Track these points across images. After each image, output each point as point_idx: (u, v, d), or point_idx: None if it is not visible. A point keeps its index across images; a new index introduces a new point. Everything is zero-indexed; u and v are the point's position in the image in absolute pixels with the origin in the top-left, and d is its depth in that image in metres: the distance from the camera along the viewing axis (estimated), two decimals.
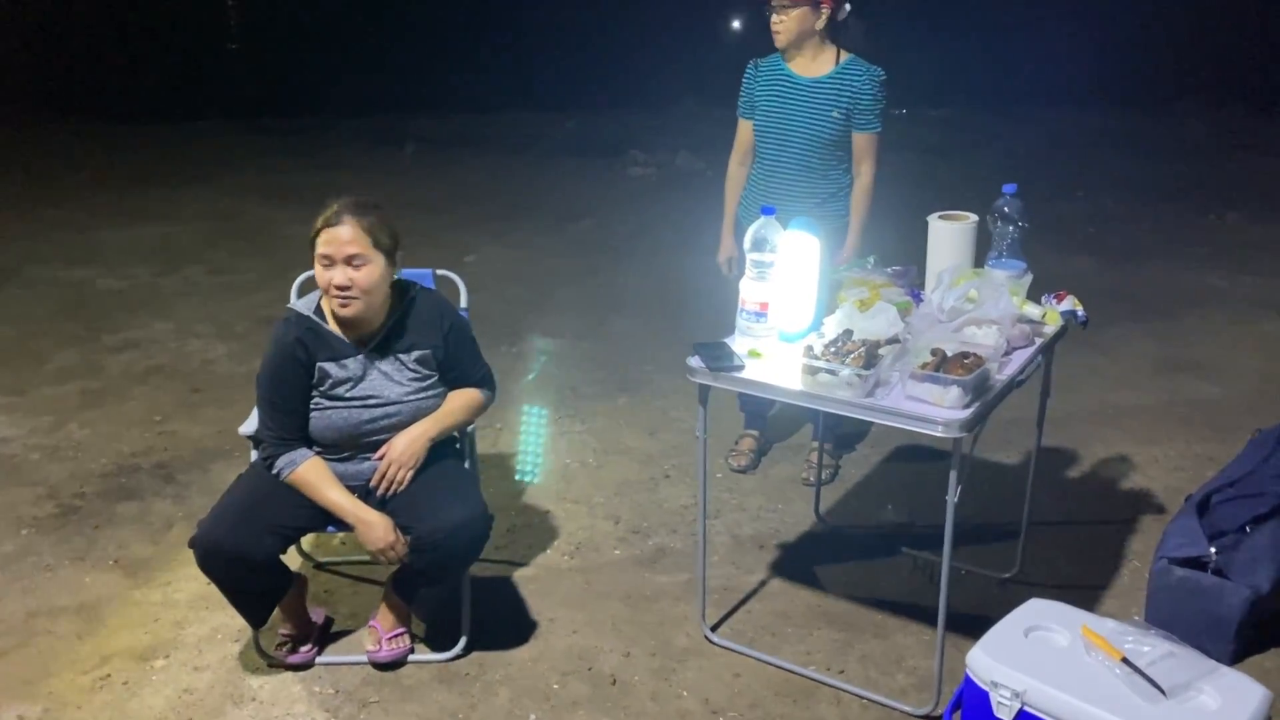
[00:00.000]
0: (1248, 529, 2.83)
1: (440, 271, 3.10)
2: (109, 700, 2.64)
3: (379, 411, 2.64)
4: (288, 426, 2.61)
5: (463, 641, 2.82)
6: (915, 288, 2.87)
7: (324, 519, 2.63)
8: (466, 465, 2.89)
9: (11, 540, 3.36)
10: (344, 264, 2.51)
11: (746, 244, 2.69)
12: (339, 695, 2.67)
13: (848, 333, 2.52)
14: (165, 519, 3.50)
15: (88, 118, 10.71)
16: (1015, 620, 2.34)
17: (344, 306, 2.55)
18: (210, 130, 10.52)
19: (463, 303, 3.05)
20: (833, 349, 2.46)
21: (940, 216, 2.89)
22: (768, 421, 3.96)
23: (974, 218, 2.86)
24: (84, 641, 2.87)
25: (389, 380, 2.65)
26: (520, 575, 3.20)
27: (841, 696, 2.67)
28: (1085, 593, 3.07)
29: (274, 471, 2.60)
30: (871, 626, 2.95)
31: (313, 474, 2.60)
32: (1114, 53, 11.01)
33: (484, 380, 2.82)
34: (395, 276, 2.63)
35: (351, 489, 2.63)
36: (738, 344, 2.64)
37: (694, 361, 2.57)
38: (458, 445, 2.90)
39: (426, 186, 8.25)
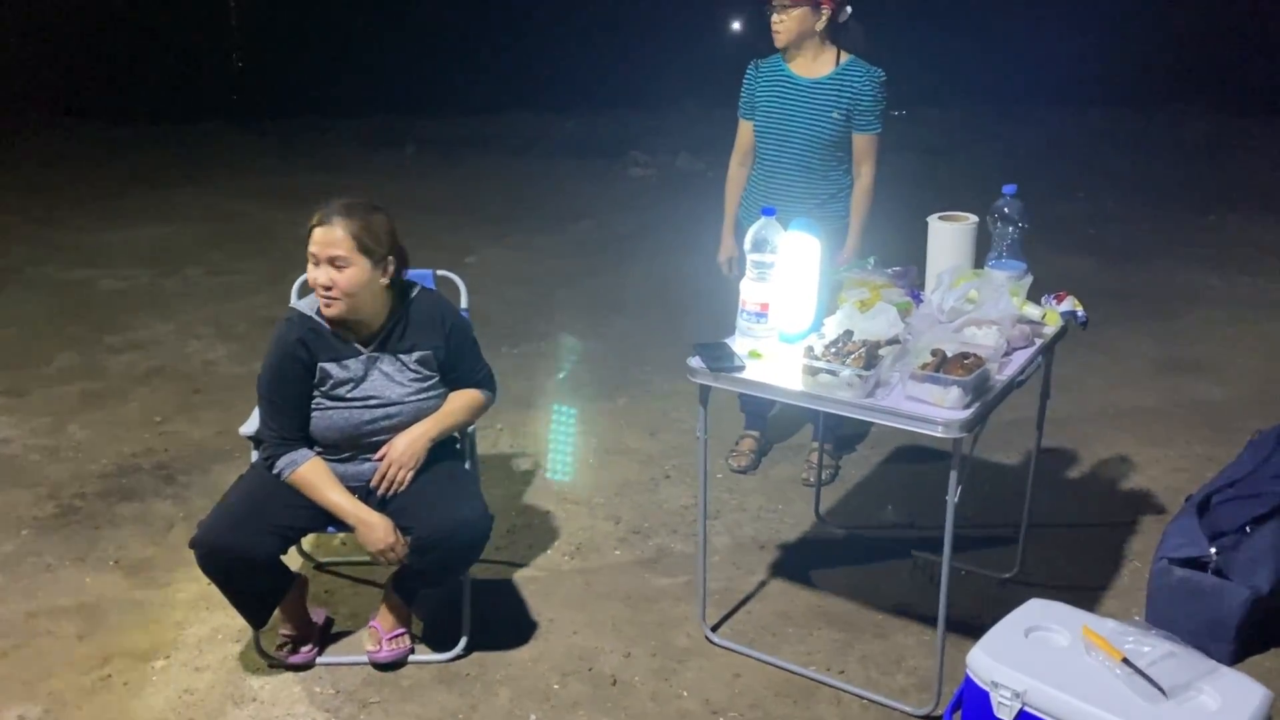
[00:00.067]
0: (1248, 529, 2.83)
1: (441, 272, 3.10)
2: (109, 701, 2.65)
3: (380, 412, 2.64)
4: (289, 426, 2.61)
5: (463, 642, 2.82)
6: (915, 288, 2.88)
7: (324, 519, 2.64)
8: (467, 466, 2.89)
9: (12, 541, 3.36)
10: (327, 264, 2.52)
11: (747, 245, 2.69)
12: (339, 696, 2.67)
13: (848, 333, 2.52)
14: (166, 519, 3.50)
15: (88, 118, 10.70)
16: (1016, 620, 2.34)
17: (327, 306, 2.57)
18: (211, 131, 10.51)
19: (463, 303, 3.05)
20: (833, 350, 2.46)
21: (940, 217, 2.89)
22: (768, 422, 3.96)
23: (974, 218, 2.87)
24: (84, 642, 2.87)
25: (390, 381, 2.65)
26: (521, 576, 3.20)
27: (842, 697, 2.67)
28: (1085, 593, 3.07)
29: (275, 471, 2.61)
30: (872, 627, 2.95)
31: (313, 474, 2.60)
32: (1114, 53, 11.01)
33: (485, 381, 2.82)
34: (385, 280, 2.60)
35: (352, 490, 2.64)
36: (738, 344, 2.64)
37: (694, 362, 2.58)
38: (458, 446, 2.90)
39: (427, 187, 8.25)
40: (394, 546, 2.58)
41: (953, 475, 2.37)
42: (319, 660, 2.79)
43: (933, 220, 2.89)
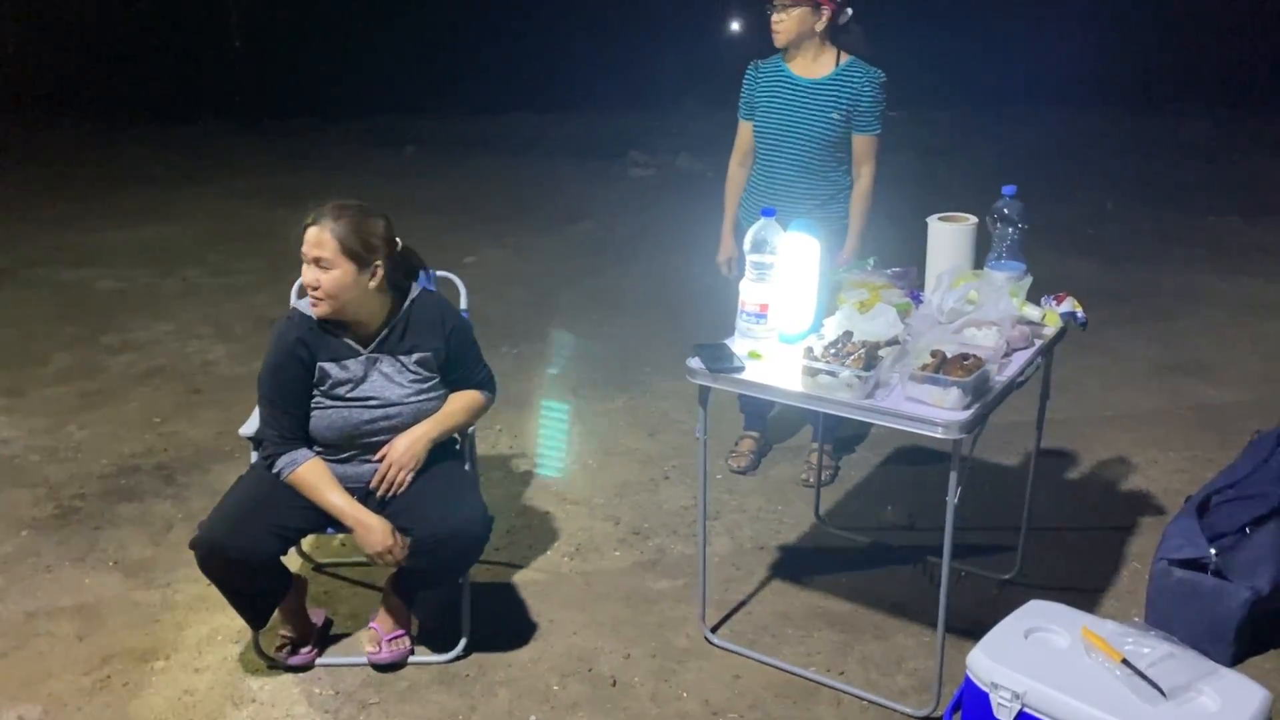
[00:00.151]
0: (1247, 530, 2.83)
1: (440, 273, 3.10)
2: (109, 701, 2.64)
3: (379, 412, 2.64)
4: (288, 426, 2.61)
5: (463, 643, 2.82)
6: (915, 289, 2.87)
7: (324, 520, 2.63)
8: (467, 467, 2.89)
9: (11, 541, 3.36)
10: (314, 264, 2.53)
11: (746, 245, 2.69)
12: (339, 697, 2.67)
13: (848, 334, 2.52)
14: (165, 520, 3.50)
15: (87, 118, 10.71)
16: (1015, 621, 2.35)
17: (314, 305, 2.58)
18: (210, 131, 10.52)
19: (463, 304, 3.05)
20: (833, 350, 2.46)
21: (940, 218, 2.89)
22: (768, 423, 3.96)
23: (973, 219, 2.87)
24: (84, 643, 2.87)
25: (390, 382, 2.65)
26: (520, 577, 3.20)
27: (842, 698, 2.67)
28: (1085, 594, 3.07)
29: (274, 471, 2.61)
30: (871, 628, 2.95)
31: (313, 475, 2.60)
32: (1114, 53, 11.01)
33: (485, 382, 2.82)
34: (374, 284, 2.58)
35: (351, 491, 2.63)
36: (738, 345, 2.64)
37: (694, 363, 2.57)
38: (458, 447, 2.90)
39: (426, 188, 8.25)
40: (391, 549, 2.58)
41: (952, 476, 2.37)
42: (318, 661, 2.78)
43: (932, 221, 2.89)
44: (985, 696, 2.21)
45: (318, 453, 2.64)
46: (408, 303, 2.69)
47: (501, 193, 8.26)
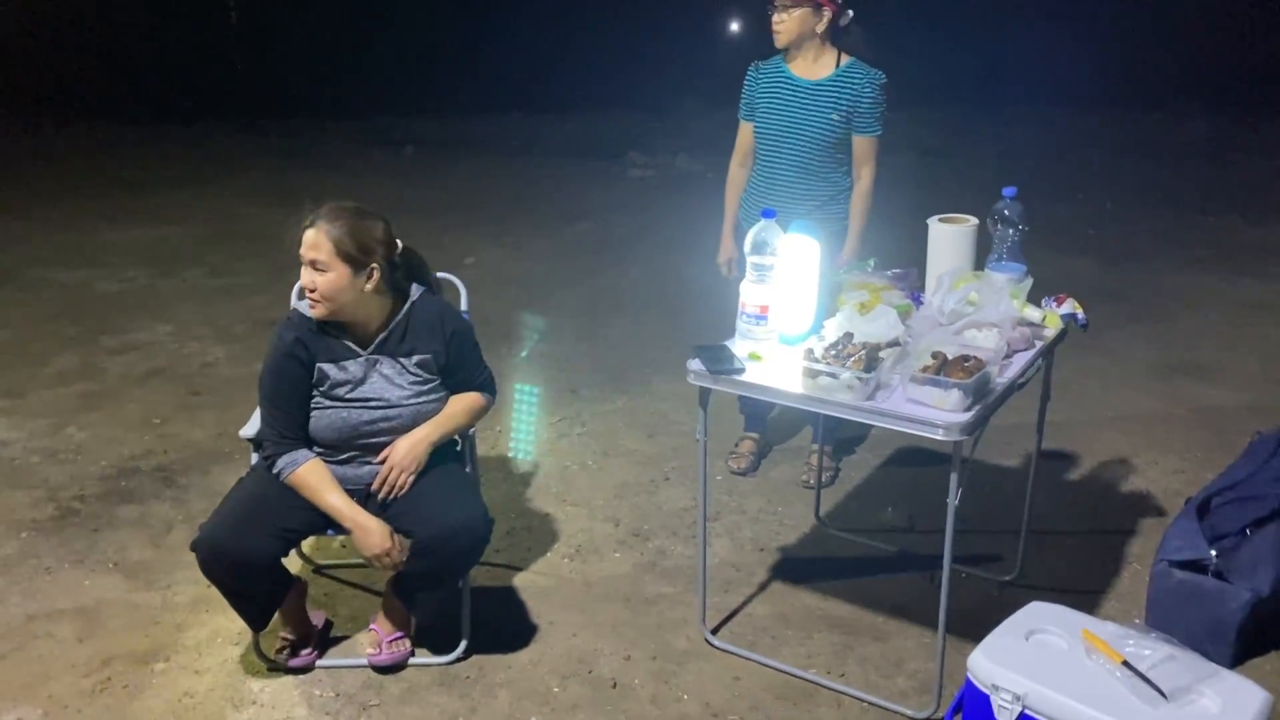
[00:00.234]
0: (1248, 532, 2.83)
1: (440, 274, 3.09)
2: (109, 703, 2.64)
3: (378, 413, 2.64)
4: (288, 426, 2.61)
5: (463, 644, 2.82)
6: (915, 291, 2.87)
7: (324, 522, 2.64)
8: (467, 469, 2.89)
9: (11, 543, 3.36)
10: (310, 266, 2.54)
11: (747, 247, 2.69)
12: (339, 698, 2.67)
13: (848, 336, 2.52)
14: (165, 522, 3.49)
15: (87, 119, 10.71)
16: (1016, 623, 2.34)
17: (311, 307, 2.59)
18: (209, 132, 10.52)
19: (463, 305, 3.05)
20: (833, 352, 2.46)
21: (940, 219, 2.89)
22: (768, 424, 3.96)
23: (974, 221, 2.86)
24: (84, 644, 2.87)
25: (389, 383, 2.65)
26: (520, 578, 3.20)
27: (842, 699, 2.67)
28: (1086, 596, 3.07)
29: (274, 471, 2.61)
30: (872, 629, 2.95)
31: (313, 476, 2.60)
32: (1113, 54, 11.02)
33: (485, 384, 2.82)
34: (370, 287, 2.57)
35: (351, 493, 2.63)
36: (738, 347, 2.64)
37: (694, 364, 2.57)
38: (458, 449, 2.90)
39: (426, 188, 8.25)
40: (389, 552, 2.58)
41: (953, 478, 2.37)
42: (318, 663, 2.78)
43: (933, 222, 2.89)
44: (986, 698, 2.20)
45: (318, 454, 2.64)
46: (408, 305, 2.68)
47: (501, 193, 8.25)
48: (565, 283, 6.04)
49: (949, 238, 2.85)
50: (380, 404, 2.63)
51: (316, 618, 2.89)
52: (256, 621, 2.71)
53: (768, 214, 2.69)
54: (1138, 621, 2.88)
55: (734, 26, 12.23)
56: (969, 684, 2.26)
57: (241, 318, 5.41)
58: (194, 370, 4.78)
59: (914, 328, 2.59)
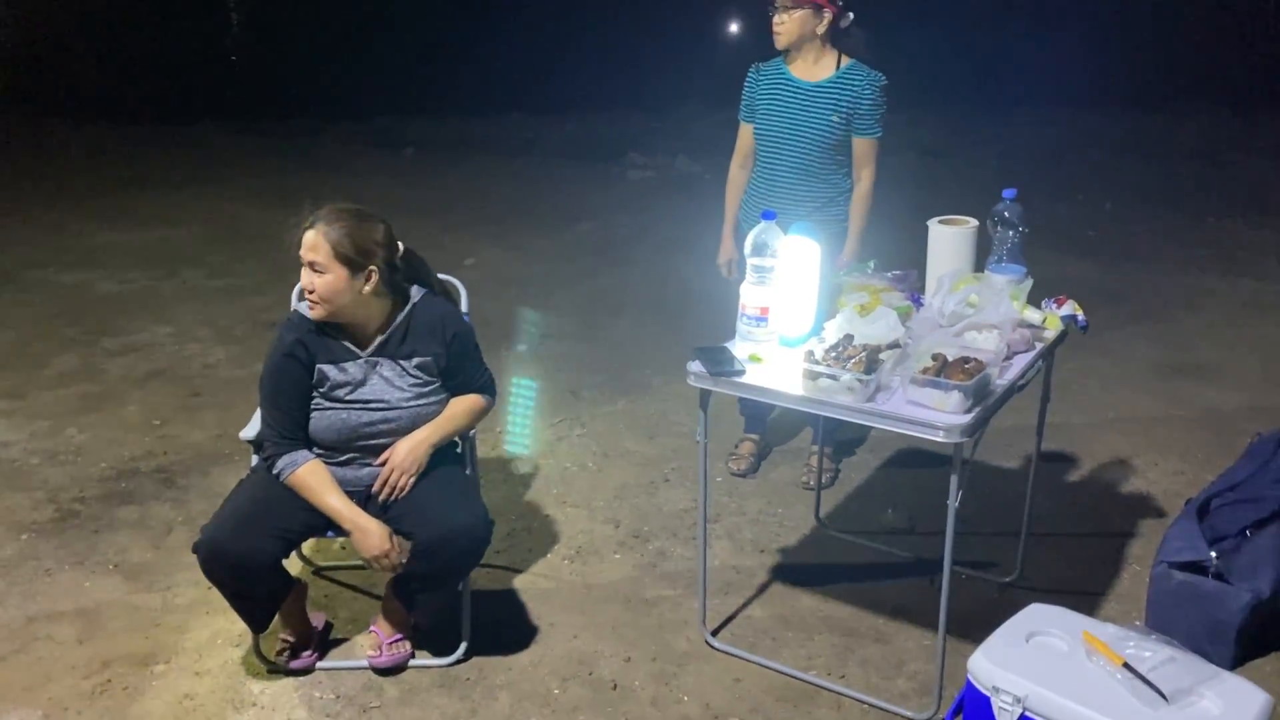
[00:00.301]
0: (1248, 533, 2.83)
1: (440, 275, 3.09)
2: (109, 706, 2.64)
3: (378, 415, 2.64)
4: (289, 427, 2.61)
5: (463, 646, 2.82)
6: (916, 292, 2.87)
7: (325, 523, 2.64)
8: (467, 471, 2.89)
9: (11, 545, 3.36)
10: (308, 267, 2.54)
11: (747, 249, 2.69)
12: (339, 700, 2.67)
13: (848, 337, 2.52)
14: (165, 523, 3.49)
15: (86, 120, 10.71)
16: (1016, 625, 2.34)
17: (310, 308, 2.59)
18: (209, 133, 10.52)
19: (463, 307, 3.05)
20: (833, 354, 2.46)
21: (940, 221, 2.89)
22: (768, 425, 3.96)
23: (974, 222, 2.86)
24: (84, 646, 2.87)
25: (390, 385, 2.65)
26: (520, 580, 3.20)
27: (842, 701, 2.67)
28: (1086, 597, 3.07)
29: (274, 472, 2.61)
30: (872, 631, 2.95)
31: (313, 478, 2.60)
32: (1113, 55, 11.02)
33: (486, 386, 2.82)
34: (368, 289, 2.57)
35: (351, 495, 2.63)
36: (738, 348, 2.64)
37: (694, 366, 2.57)
38: (459, 450, 2.90)
39: (426, 189, 8.25)
40: (389, 554, 2.58)
41: (953, 479, 2.37)
42: (319, 665, 2.78)
43: (933, 224, 2.89)
44: (986, 700, 2.20)
45: (318, 455, 2.64)
46: (409, 307, 2.68)
47: (501, 194, 8.26)
48: (565, 284, 6.05)
49: (949, 239, 2.85)
50: (380, 406, 2.63)
51: (317, 619, 2.89)
52: (257, 623, 2.71)
53: (768, 215, 2.69)
54: (1138, 623, 2.87)
55: (734, 28, 12.23)
56: (969, 686, 2.26)
57: (242, 319, 5.41)
58: (194, 371, 4.78)
59: (914, 329, 2.59)
